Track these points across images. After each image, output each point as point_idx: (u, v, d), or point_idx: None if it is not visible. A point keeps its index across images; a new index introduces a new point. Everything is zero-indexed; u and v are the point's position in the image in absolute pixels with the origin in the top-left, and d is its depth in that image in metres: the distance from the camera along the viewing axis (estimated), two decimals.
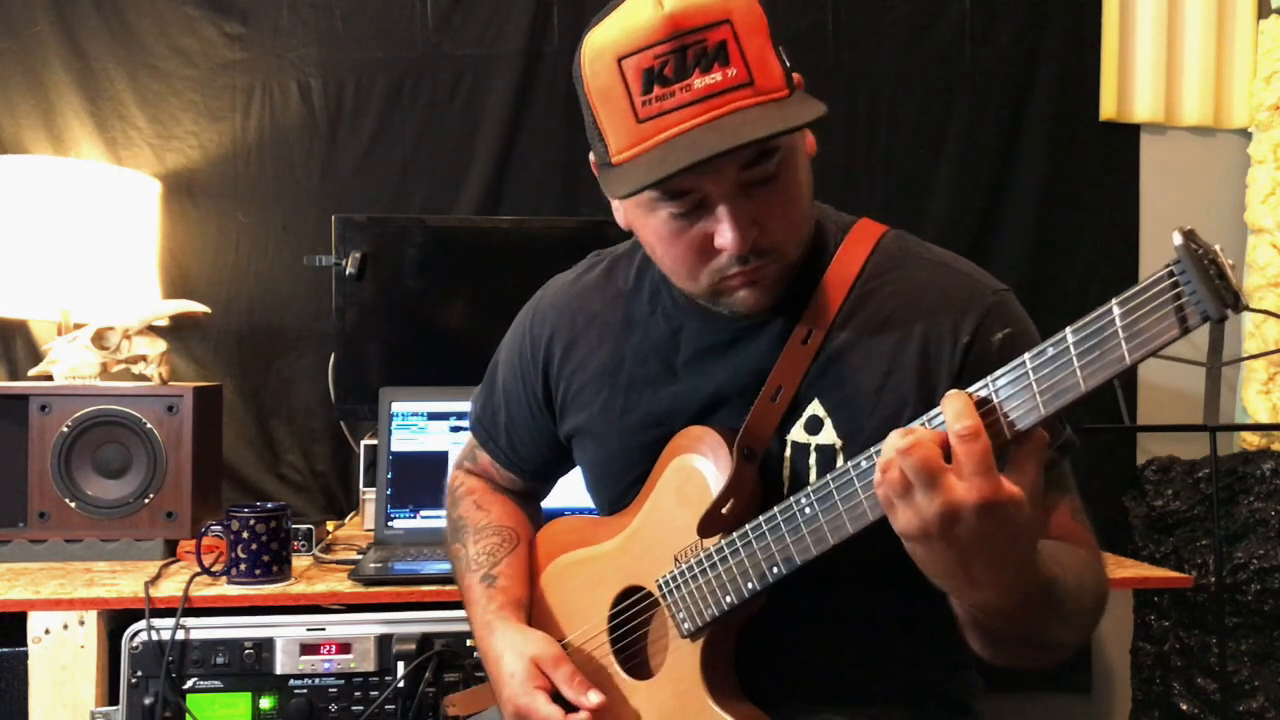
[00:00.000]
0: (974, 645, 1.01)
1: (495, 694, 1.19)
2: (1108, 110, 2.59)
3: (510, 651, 1.17)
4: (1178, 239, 0.74)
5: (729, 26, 0.98)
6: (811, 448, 1.09)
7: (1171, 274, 0.75)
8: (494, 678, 1.18)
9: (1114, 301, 0.77)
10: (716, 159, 0.96)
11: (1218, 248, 0.74)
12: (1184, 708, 2.40)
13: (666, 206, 1.04)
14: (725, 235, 1.03)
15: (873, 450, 0.95)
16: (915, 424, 0.91)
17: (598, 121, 1.03)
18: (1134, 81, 2.61)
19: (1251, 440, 2.56)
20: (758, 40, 1.00)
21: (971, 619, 0.95)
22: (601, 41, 1.01)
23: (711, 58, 0.98)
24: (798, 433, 1.10)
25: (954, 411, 0.83)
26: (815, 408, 1.10)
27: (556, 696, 1.13)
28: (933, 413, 0.90)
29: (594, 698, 1.11)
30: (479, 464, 1.42)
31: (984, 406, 0.85)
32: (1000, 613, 0.92)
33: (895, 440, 0.85)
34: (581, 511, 1.30)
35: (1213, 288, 0.73)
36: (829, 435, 1.09)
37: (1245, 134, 2.66)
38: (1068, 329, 0.80)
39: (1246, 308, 0.74)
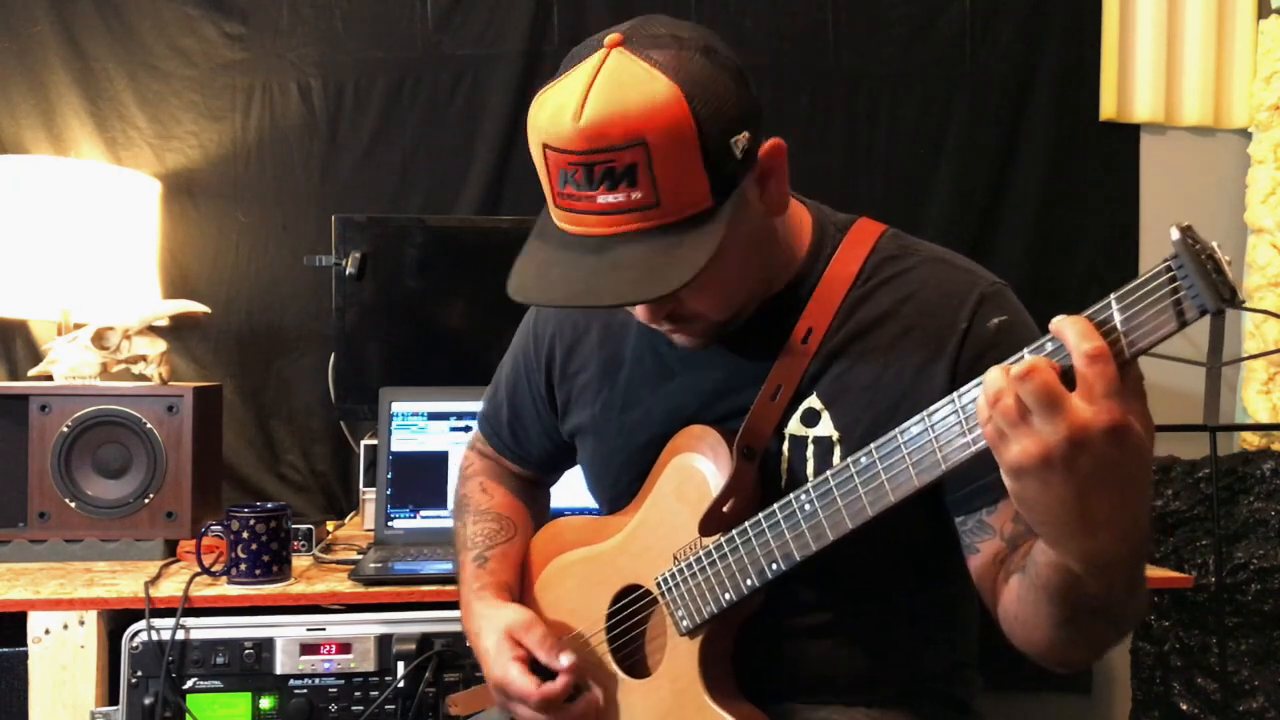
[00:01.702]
0: (1040, 632, 0.95)
1: (485, 675, 1.20)
2: (1108, 110, 2.59)
3: (487, 627, 1.19)
4: (1175, 234, 0.75)
5: (643, 149, 0.95)
6: (809, 440, 1.10)
7: (1169, 268, 0.76)
8: (478, 657, 1.20)
9: (1112, 296, 0.78)
10: None
11: (1214, 244, 0.74)
12: (1184, 708, 2.39)
13: None
14: (634, 311, 1.07)
15: (871, 446, 0.95)
16: (916, 417, 0.91)
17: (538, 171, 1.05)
18: (1134, 81, 2.60)
19: (1251, 440, 2.56)
20: (673, 162, 0.96)
21: (1066, 582, 0.88)
22: (539, 120, 1.00)
23: (619, 178, 0.96)
24: (794, 425, 1.10)
25: (1078, 333, 0.78)
26: (813, 401, 1.10)
27: (537, 667, 1.14)
28: (935, 406, 0.90)
29: (565, 659, 1.12)
30: (489, 448, 1.44)
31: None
32: (1110, 565, 0.85)
33: (1002, 371, 0.80)
34: (582, 511, 1.30)
35: (1210, 282, 0.74)
36: (826, 427, 1.09)
37: (1245, 134, 2.66)
38: None
39: (1243, 303, 0.75)
